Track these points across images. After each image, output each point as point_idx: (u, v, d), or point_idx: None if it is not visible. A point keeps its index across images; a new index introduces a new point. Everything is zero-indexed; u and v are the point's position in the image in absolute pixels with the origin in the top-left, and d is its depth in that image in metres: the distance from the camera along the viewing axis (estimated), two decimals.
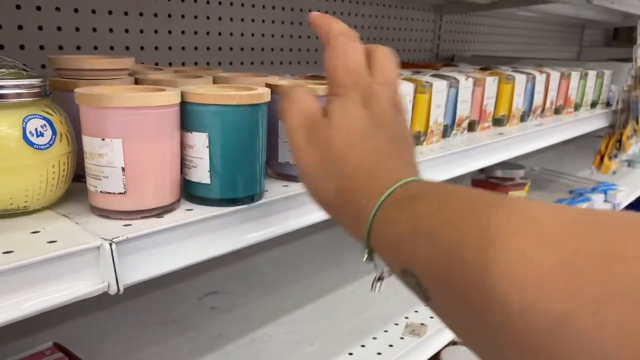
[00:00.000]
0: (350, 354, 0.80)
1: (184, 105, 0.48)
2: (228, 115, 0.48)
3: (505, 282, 0.24)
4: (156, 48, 0.99)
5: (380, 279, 0.39)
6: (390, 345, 0.82)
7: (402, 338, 0.84)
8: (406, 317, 0.90)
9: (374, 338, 0.84)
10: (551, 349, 0.23)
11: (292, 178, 0.59)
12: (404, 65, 1.29)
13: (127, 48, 0.95)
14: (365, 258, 0.37)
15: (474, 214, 0.28)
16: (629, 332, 0.20)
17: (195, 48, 1.05)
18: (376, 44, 0.45)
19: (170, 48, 1.01)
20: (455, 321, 0.30)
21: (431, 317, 0.90)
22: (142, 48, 0.97)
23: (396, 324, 0.88)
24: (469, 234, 0.27)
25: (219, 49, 1.09)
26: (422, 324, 0.87)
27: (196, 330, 0.84)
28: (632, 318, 0.21)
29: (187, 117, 0.49)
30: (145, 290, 0.95)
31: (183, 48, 1.03)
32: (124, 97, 0.43)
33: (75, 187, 0.53)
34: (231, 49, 1.11)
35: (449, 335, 0.89)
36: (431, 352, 0.85)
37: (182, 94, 0.48)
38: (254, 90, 0.49)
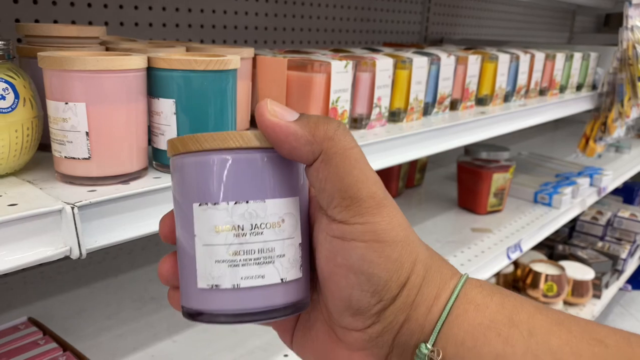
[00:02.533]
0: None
1: (151, 71, 0.48)
2: (195, 80, 0.47)
3: None
4: (136, 24, 0.98)
5: None
6: None
7: None
8: None
9: None
10: None
11: None
12: (389, 45, 1.28)
13: (106, 23, 0.94)
14: None
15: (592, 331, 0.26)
16: None
17: (177, 25, 1.04)
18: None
19: (150, 25, 1.00)
20: None
21: None
22: (121, 24, 0.96)
23: None
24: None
25: (201, 26, 1.08)
26: None
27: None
28: None
29: (154, 83, 0.48)
30: (125, 268, 0.95)
31: (164, 25, 1.02)
32: (88, 60, 0.43)
33: (43, 156, 0.53)
34: (213, 26, 1.10)
35: None
36: None
37: (149, 60, 0.47)
38: (221, 57, 0.49)
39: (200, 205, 0.28)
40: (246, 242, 0.28)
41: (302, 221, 0.30)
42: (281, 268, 0.29)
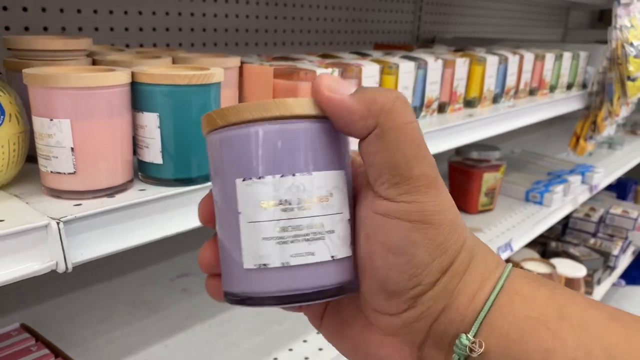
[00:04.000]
0: (318, 333, 0.80)
1: (135, 85, 0.49)
2: (177, 95, 0.48)
3: None
4: (126, 29, 0.98)
5: None
6: None
7: None
8: None
9: None
10: None
11: None
12: (380, 47, 1.29)
13: (96, 29, 0.94)
14: (460, 352, 0.26)
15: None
16: None
17: (167, 29, 1.04)
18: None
19: (141, 29, 1.00)
20: None
21: None
22: (111, 29, 0.96)
23: None
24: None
25: (191, 30, 1.08)
26: None
27: (166, 311, 0.85)
28: None
29: (138, 97, 0.49)
30: (117, 273, 0.96)
31: (154, 29, 1.02)
32: (71, 77, 0.44)
33: (30, 169, 0.53)
34: (204, 30, 1.10)
35: None
36: None
37: (133, 75, 0.48)
38: (204, 71, 0.49)
39: (244, 180, 0.26)
40: (294, 217, 0.26)
41: (349, 197, 0.28)
42: (331, 245, 0.27)
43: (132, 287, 0.91)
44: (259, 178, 0.26)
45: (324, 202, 0.27)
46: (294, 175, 0.26)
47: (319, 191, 0.27)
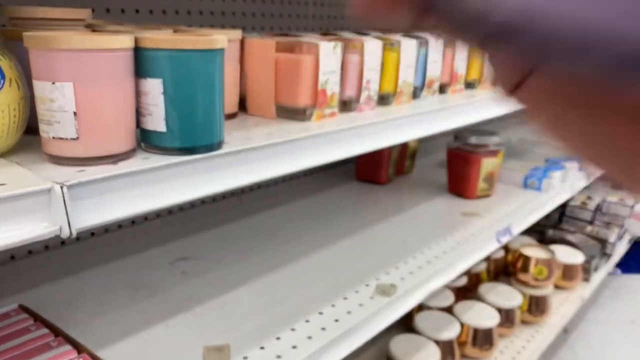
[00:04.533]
0: (321, 313, 0.80)
1: (138, 51, 0.48)
2: (182, 59, 0.47)
3: None
4: (122, 11, 0.97)
5: None
6: (360, 305, 0.82)
7: (371, 298, 0.84)
8: (377, 279, 0.90)
9: (345, 298, 0.84)
10: None
11: None
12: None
13: (92, 11, 0.93)
14: None
15: None
16: None
17: (164, 12, 1.03)
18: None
19: (137, 11, 0.99)
20: None
21: (402, 279, 0.91)
22: (107, 10, 0.95)
23: (367, 285, 0.88)
24: None
25: (188, 12, 1.07)
26: (392, 284, 0.88)
27: (166, 293, 0.84)
28: None
29: (142, 63, 0.48)
30: (115, 256, 0.95)
31: (151, 12, 1.01)
32: (74, 38, 0.43)
33: (31, 139, 0.52)
34: (201, 12, 1.09)
35: (418, 296, 0.90)
36: (401, 312, 0.86)
37: (136, 40, 0.47)
38: (209, 36, 0.49)
39: None
40: None
41: None
42: None
43: (132, 270, 0.90)
44: None
45: None
46: None
47: None
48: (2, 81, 0.44)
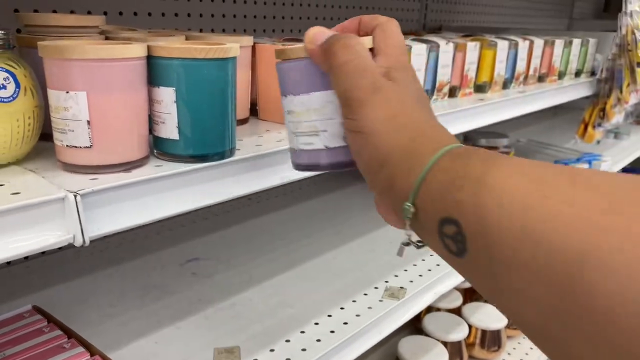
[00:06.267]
0: (330, 315, 0.80)
1: (151, 60, 0.48)
2: (194, 69, 0.47)
3: (546, 226, 0.26)
4: (135, 14, 0.98)
5: (407, 244, 0.40)
6: (369, 308, 0.83)
7: (381, 301, 0.85)
8: (386, 281, 0.91)
9: (354, 301, 0.85)
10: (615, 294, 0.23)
11: None
12: None
13: (105, 13, 0.94)
14: (407, 215, 0.36)
15: (536, 173, 0.29)
16: None
17: (176, 15, 1.04)
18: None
19: (149, 14, 1.00)
20: (486, 276, 0.30)
21: (411, 281, 0.91)
22: (120, 14, 0.96)
23: (376, 288, 0.89)
24: (530, 187, 0.28)
25: (200, 15, 1.08)
26: (401, 287, 0.88)
27: (177, 295, 0.85)
28: None
29: (155, 71, 0.48)
30: (127, 257, 0.96)
31: (163, 14, 1.02)
32: (88, 48, 0.43)
33: (45, 146, 0.53)
34: (212, 15, 1.10)
35: (427, 299, 0.90)
36: (410, 315, 0.87)
37: (149, 48, 0.48)
38: (221, 45, 0.49)
39: (283, 96, 0.45)
40: (300, 121, 0.43)
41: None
42: (324, 139, 0.43)
43: (142, 271, 0.91)
44: (284, 96, 0.44)
45: (318, 112, 0.42)
46: (298, 95, 0.43)
47: (314, 105, 0.42)
48: (17, 90, 0.45)
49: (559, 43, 1.21)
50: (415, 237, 0.39)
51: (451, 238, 0.32)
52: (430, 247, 0.36)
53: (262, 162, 0.56)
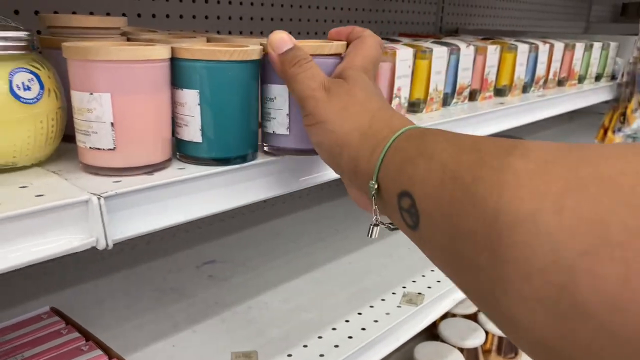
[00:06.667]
0: (347, 321, 0.80)
1: (175, 62, 0.48)
2: (219, 71, 0.47)
3: (487, 187, 0.29)
4: (153, 16, 0.98)
5: (376, 225, 0.44)
6: (387, 314, 0.82)
7: (399, 307, 0.84)
8: (403, 287, 0.90)
9: (371, 306, 0.84)
10: (515, 242, 0.26)
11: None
12: (405, 35, 1.27)
13: (123, 15, 0.94)
14: (372, 193, 0.40)
15: (474, 146, 0.32)
16: (582, 219, 0.23)
17: (194, 17, 1.04)
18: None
19: (167, 16, 1.00)
20: (441, 247, 0.33)
21: (429, 287, 0.90)
22: (139, 15, 0.96)
23: (393, 293, 0.88)
24: (465, 157, 0.32)
25: (218, 17, 1.07)
26: (419, 293, 0.87)
27: (193, 297, 0.84)
28: (586, 208, 0.23)
29: (178, 73, 0.48)
30: (144, 259, 0.95)
31: (181, 16, 1.02)
32: (112, 50, 0.43)
33: (67, 148, 0.53)
34: (230, 18, 1.09)
35: (445, 305, 0.89)
36: (428, 321, 0.86)
37: (173, 50, 0.47)
38: (244, 47, 0.48)
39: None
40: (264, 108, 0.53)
41: (290, 99, 0.51)
42: (275, 125, 0.52)
43: (159, 273, 0.91)
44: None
45: (273, 101, 0.52)
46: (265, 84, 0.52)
47: (271, 95, 0.52)
48: (41, 92, 0.45)
49: (579, 46, 1.19)
50: (387, 220, 0.43)
51: (407, 211, 0.36)
52: (395, 223, 0.40)
53: (284, 165, 0.55)
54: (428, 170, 0.34)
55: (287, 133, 0.53)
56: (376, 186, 0.40)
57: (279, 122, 0.53)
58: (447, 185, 0.32)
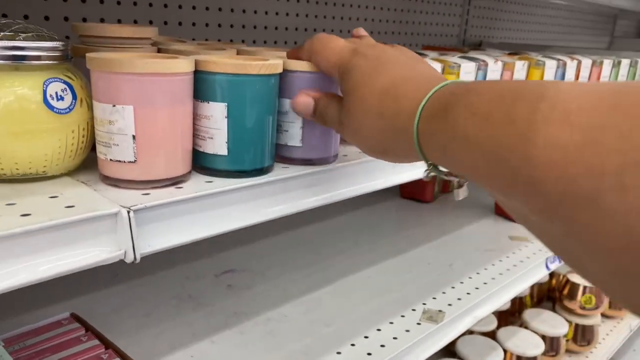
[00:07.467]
0: (366, 337, 0.79)
1: (201, 74, 0.47)
2: (247, 85, 0.47)
3: (538, 168, 0.27)
4: (180, 24, 0.98)
5: (459, 186, 0.45)
6: (407, 331, 0.81)
7: (418, 324, 0.83)
8: (424, 304, 0.89)
9: (391, 322, 0.83)
10: (585, 224, 0.24)
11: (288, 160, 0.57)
12: (429, 48, 1.26)
13: (150, 22, 0.94)
14: (428, 172, 0.40)
15: (502, 111, 0.30)
16: None
17: (219, 25, 1.04)
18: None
19: (194, 24, 1.00)
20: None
21: (449, 305, 0.89)
22: (165, 23, 0.96)
23: (413, 310, 0.87)
24: (501, 131, 0.30)
25: (243, 26, 1.08)
26: (439, 310, 0.86)
27: (212, 307, 0.84)
28: None
29: (204, 86, 0.48)
30: (163, 266, 0.95)
31: (207, 25, 1.02)
32: (135, 62, 0.42)
33: (96, 157, 0.53)
34: (255, 27, 1.10)
35: (466, 323, 0.88)
36: (448, 340, 0.84)
37: (200, 63, 0.47)
38: (271, 61, 0.48)
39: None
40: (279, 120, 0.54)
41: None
42: (288, 138, 0.54)
43: (177, 281, 0.91)
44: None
45: (286, 114, 0.53)
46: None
47: (285, 108, 0.53)
48: (74, 101, 0.45)
49: (607, 63, 1.18)
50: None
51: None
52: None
53: (316, 179, 0.55)
54: (468, 155, 0.33)
55: (300, 145, 0.54)
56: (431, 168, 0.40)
57: (292, 134, 0.54)
58: (493, 169, 0.31)
